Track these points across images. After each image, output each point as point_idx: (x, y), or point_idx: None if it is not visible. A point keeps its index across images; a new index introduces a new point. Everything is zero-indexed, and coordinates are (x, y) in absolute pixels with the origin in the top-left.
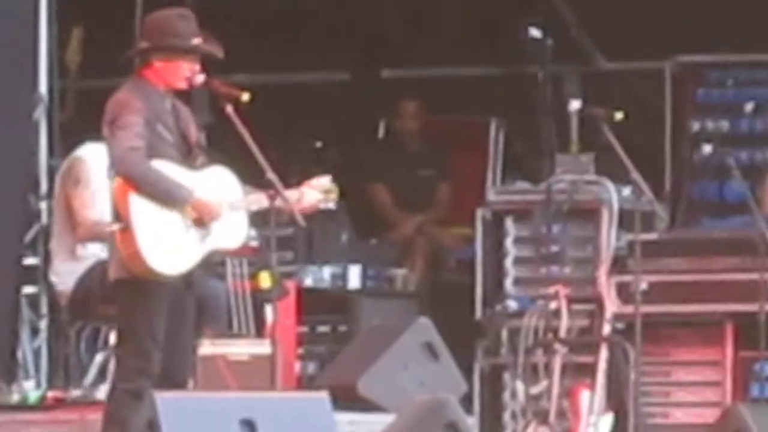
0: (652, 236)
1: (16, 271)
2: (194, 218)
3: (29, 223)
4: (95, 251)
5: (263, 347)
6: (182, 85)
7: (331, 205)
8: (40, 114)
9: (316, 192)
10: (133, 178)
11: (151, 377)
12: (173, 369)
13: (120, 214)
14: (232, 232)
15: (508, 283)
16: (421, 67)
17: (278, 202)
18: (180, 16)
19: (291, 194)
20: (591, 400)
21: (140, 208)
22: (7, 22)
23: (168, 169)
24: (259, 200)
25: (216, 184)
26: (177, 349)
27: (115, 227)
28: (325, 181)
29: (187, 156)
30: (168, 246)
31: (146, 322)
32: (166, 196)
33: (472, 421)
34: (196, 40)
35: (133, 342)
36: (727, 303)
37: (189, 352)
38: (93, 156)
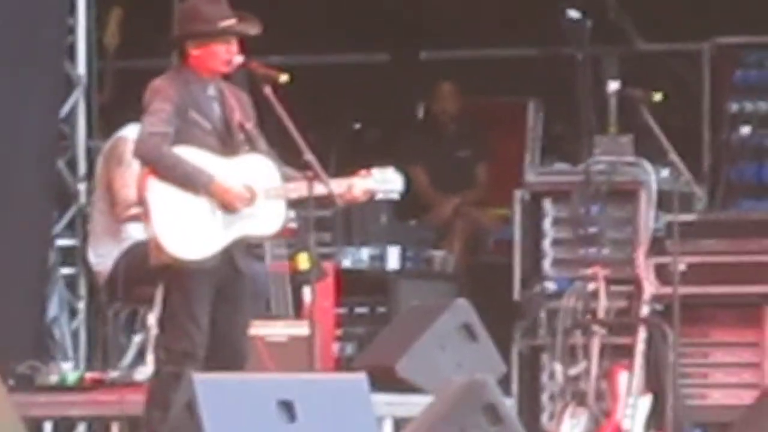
0: (690, 217)
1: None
2: (221, 203)
3: (66, 203)
4: (134, 233)
5: (301, 329)
6: (223, 68)
7: (395, 196)
8: (79, 95)
9: (372, 181)
10: (149, 162)
11: (196, 361)
12: (230, 354)
13: (140, 198)
14: (267, 219)
15: (547, 265)
16: (460, 49)
17: (318, 187)
18: (208, 0)
19: (339, 183)
20: (629, 381)
21: (159, 192)
22: None
23: (192, 154)
24: (299, 189)
25: (251, 172)
26: (233, 335)
27: (135, 210)
28: (388, 171)
29: (228, 143)
30: (188, 230)
31: (186, 306)
32: (184, 180)
33: (510, 403)
34: (227, 23)
35: (175, 326)
36: (765, 284)
37: (245, 337)
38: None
